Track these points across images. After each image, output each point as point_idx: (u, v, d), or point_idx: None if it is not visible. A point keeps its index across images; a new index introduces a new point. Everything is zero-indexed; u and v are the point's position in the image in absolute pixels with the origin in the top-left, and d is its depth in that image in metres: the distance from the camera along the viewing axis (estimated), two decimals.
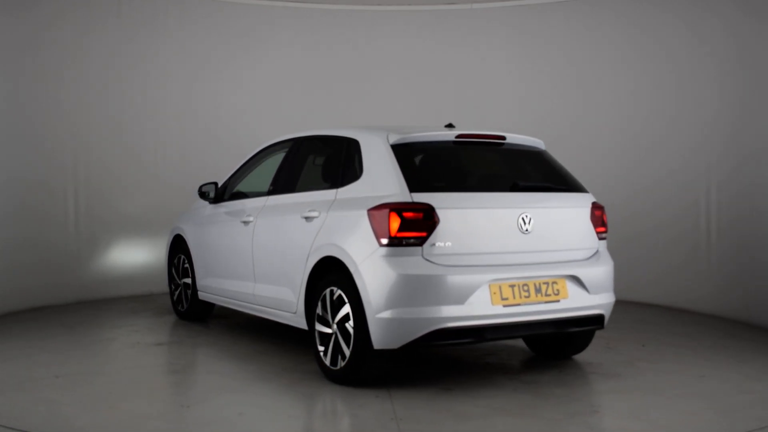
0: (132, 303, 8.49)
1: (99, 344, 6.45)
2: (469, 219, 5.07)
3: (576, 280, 5.31)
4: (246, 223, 6.45)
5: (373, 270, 4.95)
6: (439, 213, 4.96)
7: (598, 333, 6.80)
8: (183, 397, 4.85)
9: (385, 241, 4.93)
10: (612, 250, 5.78)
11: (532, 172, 5.80)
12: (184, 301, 7.58)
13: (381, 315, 4.88)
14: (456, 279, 4.91)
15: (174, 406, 4.68)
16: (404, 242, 4.91)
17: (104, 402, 4.77)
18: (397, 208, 4.94)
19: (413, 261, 4.91)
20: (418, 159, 5.42)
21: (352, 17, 9.85)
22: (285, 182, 6.24)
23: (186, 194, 8.67)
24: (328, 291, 5.30)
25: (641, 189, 8.72)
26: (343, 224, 5.28)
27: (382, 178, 5.19)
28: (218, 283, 6.91)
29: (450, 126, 5.83)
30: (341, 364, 5.17)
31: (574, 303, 5.30)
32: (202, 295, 7.23)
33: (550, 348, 6.08)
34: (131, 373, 5.48)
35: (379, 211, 4.99)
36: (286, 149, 6.46)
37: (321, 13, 9.78)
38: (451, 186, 5.34)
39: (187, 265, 7.50)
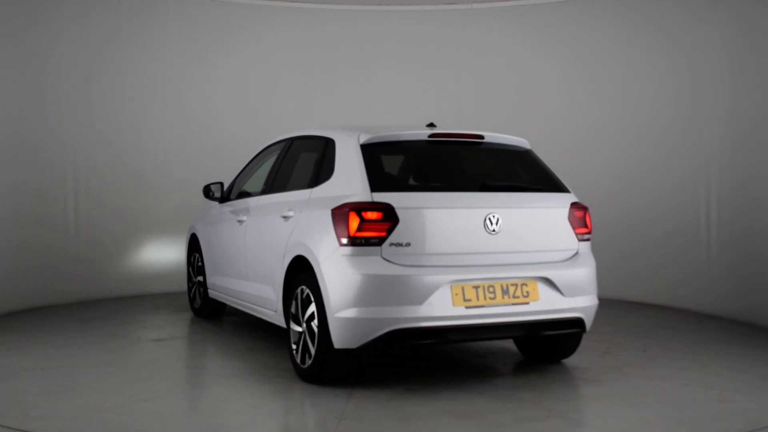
0: (157, 300, 8.74)
1: (102, 338, 6.65)
2: (430, 219, 5.01)
3: (548, 282, 5.18)
4: (240, 222, 6.57)
5: (333, 269, 4.96)
6: (399, 213, 4.93)
7: (601, 338, 6.72)
8: (146, 392, 4.96)
9: (345, 240, 4.93)
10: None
11: (511, 171, 5.69)
12: (198, 299, 7.77)
13: (339, 314, 4.88)
14: (414, 279, 4.86)
15: (133, 399, 4.79)
16: (364, 242, 4.90)
17: (69, 393, 4.93)
18: (357, 207, 4.93)
19: (372, 261, 4.89)
20: (388, 158, 5.40)
21: (352, 17, 9.91)
22: (274, 182, 6.32)
23: (185, 195, 8.85)
24: (299, 290, 5.34)
25: (645, 191, 8.75)
26: (311, 224, 5.32)
27: (348, 178, 5.19)
28: (222, 281, 7.05)
29: (431, 125, 5.78)
30: (308, 362, 5.21)
31: (546, 306, 5.17)
32: (211, 293, 7.39)
33: (539, 351, 5.96)
34: (110, 367, 5.64)
35: (340, 210, 4.99)
36: (280, 149, 6.54)
37: (321, 13, 9.85)
38: (416, 186, 5.31)
39: (200, 264, 7.68)
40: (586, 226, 5.55)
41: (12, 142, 7.96)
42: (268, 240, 5.96)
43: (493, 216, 5.10)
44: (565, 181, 9.21)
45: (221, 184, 7.25)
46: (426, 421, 4.46)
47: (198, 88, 9.58)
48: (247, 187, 7.05)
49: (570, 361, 5.93)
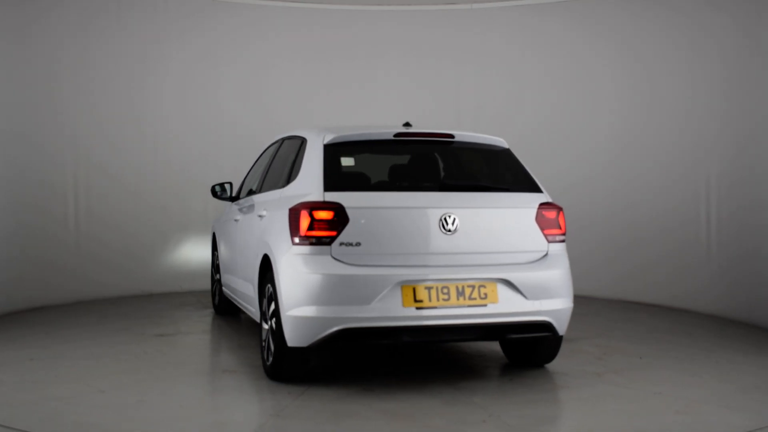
0: (186, 297, 9.01)
1: (110, 333, 6.89)
2: (381, 219, 4.98)
3: (508, 284, 5.05)
4: (236, 221, 6.72)
5: (285, 268, 5.01)
6: (350, 212, 4.93)
7: (606, 342, 6.52)
8: (108, 384, 5.13)
9: (296, 239, 4.97)
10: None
11: (482, 171, 5.58)
12: (216, 296, 7.98)
13: (290, 313, 4.93)
14: (362, 279, 4.85)
15: (92, 390, 4.97)
16: (315, 241, 4.93)
17: (37, 384, 5.18)
18: (309, 207, 4.96)
19: (321, 260, 4.91)
20: (351, 158, 5.41)
21: (352, 17, 9.90)
22: (263, 181, 6.43)
23: (185, 194, 9.01)
24: (267, 288, 5.42)
25: (644, 191, 8.76)
26: (274, 223, 5.39)
27: (309, 178, 5.23)
28: (228, 279, 7.22)
29: (407, 125, 5.74)
30: (270, 359, 5.28)
31: (506, 308, 5.04)
32: (224, 291, 7.57)
33: (519, 355, 5.82)
34: (91, 360, 5.86)
35: (294, 210, 5.04)
36: (274, 149, 6.65)
37: (321, 13, 9.87)
38: (370, 185, 5.28)
39: (218, 261, 7.88)
40: (558, 227, 5.37)
41: (11, 140, 8.02)
42: (248, 239, 6.08)
43: (449, 216, 5.02)
44: (565, 181, 9.31)
45: (230, 183, 7.41)
46: (358, 420, 4.44)
47: (199, 87, 9.61)
48: (252, 186, 7.19)
49: (554, 365, 5.77)
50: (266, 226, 5.54)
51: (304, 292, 4.88)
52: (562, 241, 5.42)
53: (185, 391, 5.05)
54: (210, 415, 4.57)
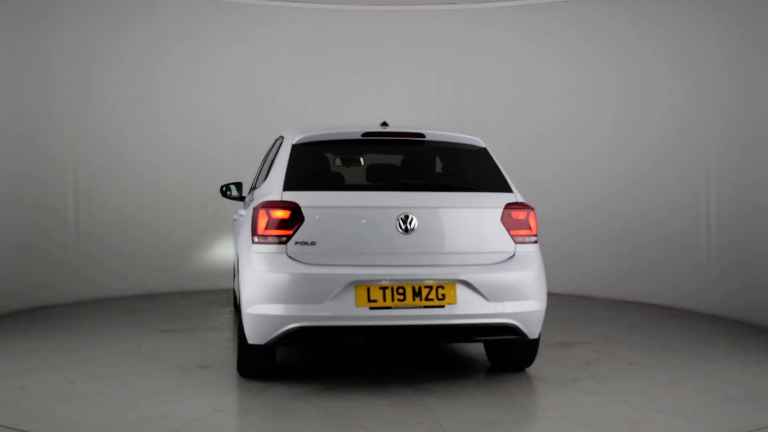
0: (217, 295, 9.23)
1: (122, 328, 7.12)
2: (337, 218, 5.00)
3: (468, 285, 4.97)
4: (234, 220, 6.85)
5: (245, 266, 5.09)
6: (306, 212, 4.96)
7: (605, 348, 6.36)
8: (82, 376, 5.33)
9: (256, 238, 5.04)
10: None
11: (452, 170, 5.51)
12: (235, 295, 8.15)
13: (248, 310, 5.00)
14: (315, 278, 4.87)
15: (63, 381, 5.18)
16: (271, 240, 4.99)
17: (19, 373, 5.44)
18: (267, 206, 5.03)
19: (277, 258, 4.96)
20: (317, 158, 5.44)
21: (352, 17, 9.85)
22: (257, 180, 6.54)
23: (185, 194, 9.07)
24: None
25: (645, 193, 8.75)
26: (243, 223, 5.49)
27: (274, 177, 5.30)
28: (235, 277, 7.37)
29: (384, 125, 5.72)
30: (237, 356, 5.38)
31: (465, 310, 4.95)
32: (234, 288, 7.72)
33: (496, 359, 5.71)
34: (79, 353, 6.08)
35: (255, 209, 5.11)
36: (270, 147, 6.74)
37: (321, 13, 9.84)
38: (329, 184, 5.29)
39: None
40: (528, 228, 5.24)
41: (12, 141, 8.05)
42: (233, 238, 6.20)
43: (407, 216, 4.98)
44: (564, 183, 9.35)
45: (240, 183, 7.54)
46: (294, 418, 4.48)
47: (198, 87, 9.61)
48: (253, 184, 7.31)
49: (536, 370, 5.63)
50: (238, 225, 5.66)
51: (261, 291, 4.94)
52: (534, 242, 5.28)
53: (148, 385, 5.18)
54: (155, 408, 4.67)
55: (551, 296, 9.02)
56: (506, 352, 5.57)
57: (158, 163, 9.40)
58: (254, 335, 5.00)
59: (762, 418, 4.59)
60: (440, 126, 6.50)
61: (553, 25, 9.42)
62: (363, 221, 5.00)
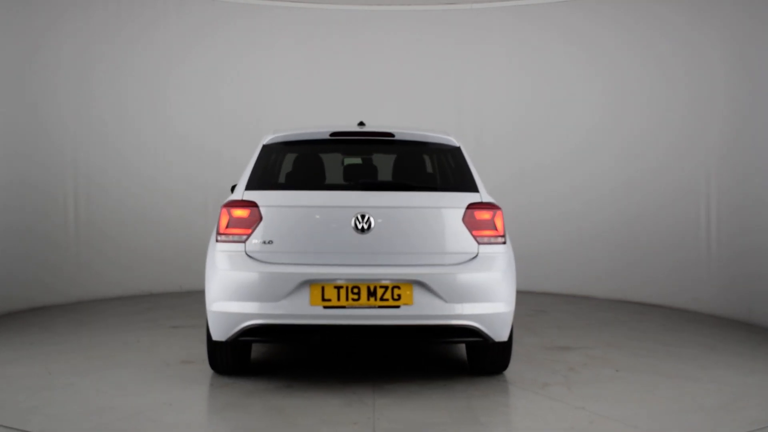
0: None
1: (132, 323, 7.32)
2: (294, 217, 5.03)
3: (424, 286, 4.91)
4: None
5: (209, 264, 5.19)
6: (263, 211, 5.02)
7: (602, 354, 6.21)
8: (64, 368, 5.54)
9: (219, 237, 5.14)
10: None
11: (420, 170, 5.47)
12: None
13: (210, 308, 5.09)
14: (271, 276, 4.92)
15: (42, 372, 5.41)
16: (232, 238, 5.07)
17: (9, 362, 5.72)
18: (228, 205, 5.12)
19: (236, 257, 5.03)
20: (284, 158, 5.49)
21: (352, 17, 9.78)
22: None
23: (186, 193, 9.12)
24: None
25: (644, 191, 8.77)
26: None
27: (242, 178, 5.38)
28: None
29: (361, 124, 5.73)
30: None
31: (421, 311, 4.90)
32: None
33: (471, 362, 5.62)
34: (72, 344, 6.35)
35: (221, 208, 5.21)
36: None
37: (320, 13, 9.77)
38: (289, 184, 5.33)
39: None
40: (494, 228, 5.13)
41: (11, 141, 8.02)
42: None
43: (363, 215, 4.97)
44: (565, 181, 9.30)
45: None
46: (236, 413, 4.58)
47: (199, 87, 9.54)
48: None
49: (513, 374, 5.53)
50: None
51: (220, 288, 5.03)
52: (501, 242, 5.16)
53: (121, 378, 5.34)
54: (109, 399, 4.81)
55: (554, 297, 9.02)
56: (479, 355, 5.48)
57: (158, 162, 9.34)
58: (216, 332, 5.09)
59: None
60: (418, 126, 6.36)
61: (553, 25, 9.38)
62: (320, 220, 5.03)
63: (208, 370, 5.53)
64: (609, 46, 9.05)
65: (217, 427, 4.46)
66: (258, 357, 5.86)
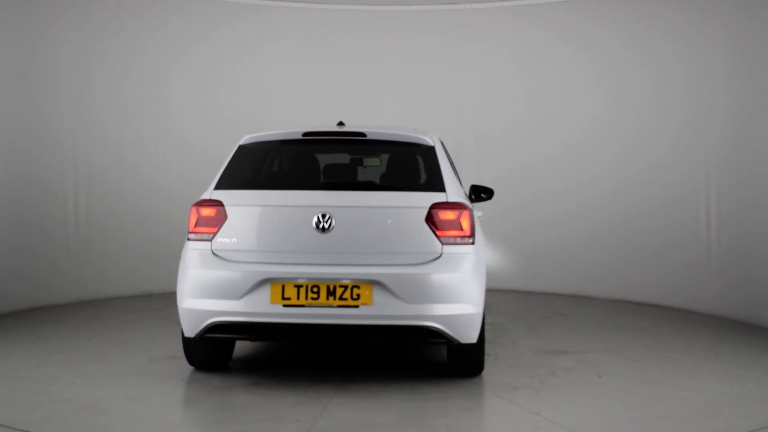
0: None
1: (141, 319, 7.53)
2: (257, 216, 5.09)
3: (383, 286, 4.88)
4: None
5: (180, 262, 5.31)
6: (228, 209, 5.10)
7: (595, 359, 6.09)
8: (51, 361, 5.74)
9: (189, 236, 5.25)
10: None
11: (391, 169, 5.44)
12: None
13: (180, 304, 5.21)
14: (232, 274, 5.00)
15: (30, 364, 5.64)
16: (200, 237, 5.17)
17: (4, 355, 5.97)
18: (197, 204, 5.23)
19: (202, 255, 5.14)
20: (256, 158, 5.56)
21: (352, 17, 9.71)
22: None
23: (186, 193, 8.97)
24: None
25: (644, 191, 8.73)
26: None
27: (215, 177, 5.47)
28: None
29: (340, 124, 5.75)
30: None
31: (380, 311, 4.88)
32: None
33: (448, 364, 5.55)
34: (64, 338, 6.55)
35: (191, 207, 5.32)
36: None
37: (320, 13, 9.72)
38: (254, 183, 5.38)
39: None
40: (459, 228, 5.06)
41: (12, 140, 8.03)
42: None
43: (324, 215, 4.99)
44: (565, 181, 9.26)
45: None
46: (190, 407, 4.70)
47: (199, 87, 9.53)
48: None
49: (490, 377, 5.44)
50: None
51: (188, 286, 5.14)
52: (468, 243, 5.08)
53: (99, 371, 5.51)
54: (75, 391, 4.97)
55: (557, 297, 8.91)
56: (451, 357, 5.41)
57: (158, 162, 9.33)
58: (187, 329, 5.20)
59: None
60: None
61: (553, 25, 9.33)
62: (283, 220, 5.08)
63: (189, 366, 5.65)
64: (609, 46, 9.04)
65: (163, 419, 4.54)
66: (246, 353, 5.93)
